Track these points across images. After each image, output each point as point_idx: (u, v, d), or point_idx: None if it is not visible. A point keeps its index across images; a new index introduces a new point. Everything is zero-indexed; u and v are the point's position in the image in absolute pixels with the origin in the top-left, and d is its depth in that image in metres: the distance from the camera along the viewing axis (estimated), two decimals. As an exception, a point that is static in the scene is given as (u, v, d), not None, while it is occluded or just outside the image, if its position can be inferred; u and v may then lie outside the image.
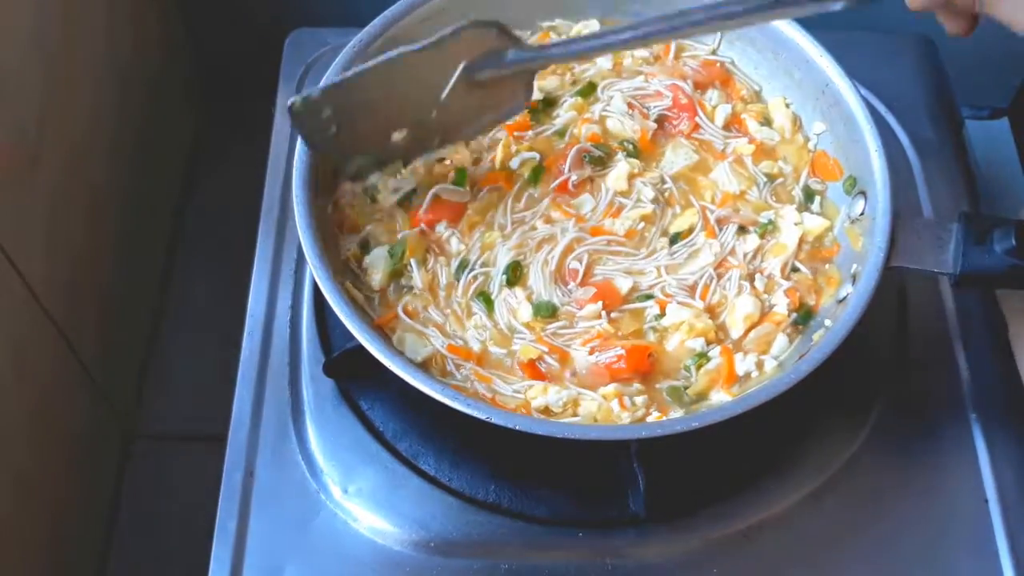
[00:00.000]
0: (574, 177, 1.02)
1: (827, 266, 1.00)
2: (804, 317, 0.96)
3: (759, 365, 0.94)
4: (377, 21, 1.05)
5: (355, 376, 1.01)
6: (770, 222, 1.01)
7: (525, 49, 0.95)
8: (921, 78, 1.26)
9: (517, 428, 0.83)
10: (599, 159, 1.04)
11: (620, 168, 1.03)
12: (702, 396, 0.93)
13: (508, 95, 0.99)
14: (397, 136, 0.98)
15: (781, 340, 0.95)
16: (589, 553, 0.94)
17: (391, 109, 0.97)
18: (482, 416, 0.84)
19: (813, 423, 1.01)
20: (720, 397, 0.92)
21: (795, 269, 0.99)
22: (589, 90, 1.10)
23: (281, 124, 1.20)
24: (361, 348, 0.88)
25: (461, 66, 0.94)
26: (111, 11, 1.44)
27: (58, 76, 1.27)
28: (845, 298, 0.93)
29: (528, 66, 0.96)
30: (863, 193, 0.98)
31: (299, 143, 0.97)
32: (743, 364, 0.94)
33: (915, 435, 1.02)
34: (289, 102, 0.93)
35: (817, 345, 0.88)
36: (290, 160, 1.09)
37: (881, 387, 1.03)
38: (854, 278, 0.94)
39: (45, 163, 1.23)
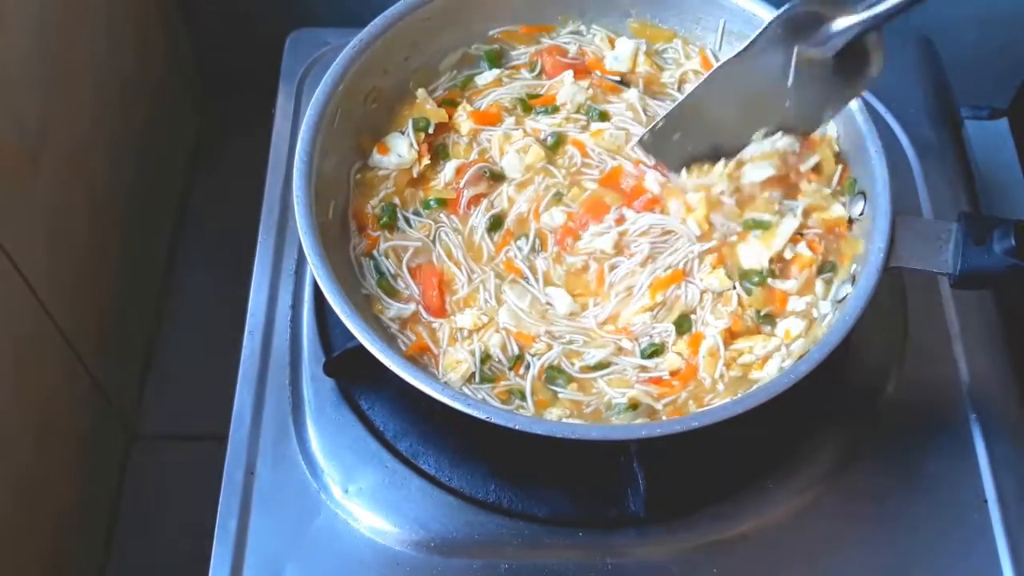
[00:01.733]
0: (468, 193, 1.03)
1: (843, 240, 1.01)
2: (830, 268, 0.98)
3: (806, 313, 0.96)
4: (377, 21, 1.05)
5: (355, 376, 1.01)
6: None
7: (851, 12, 0.91)
8: (921, 79, 1.26)
9: (517, 428, 0.84)
10: (497, 175, 1.05)
11: None
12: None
13: (858, 62, 0.94)
14: (758, 135, 0.99)
15: (819, 285, 0.97)
16: (589, 553, 0.95)
17: (741, 114, 0.98)
18: (482, 416, 0.84)
19: (813, 423, 1.01)
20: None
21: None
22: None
23: (281, 124, 1.21)
24: (361, 348, 0.88)
25: (795, 51, 0.92)
26: (112, 11, 1.44)
27: (60, 77, 1.27)
28: (844, 298, 0.93)
29: (861, 27, 0.91)
30: (863, 193, 0.98)
31: (299, 143, 0.97)
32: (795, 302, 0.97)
33: (915, 435, 1.02)
34: (637, 140, 1.00)
35: (817, 345, 0.88)
36: (291, 160, 1.09)
37: (881, 387, 1.04)
38: (854, 278, 0.94)
39: (47, 163, 1.23)
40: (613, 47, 1.13)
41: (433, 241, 1.02)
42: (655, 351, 0.95)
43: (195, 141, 1.78)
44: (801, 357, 0.89)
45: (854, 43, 0.92)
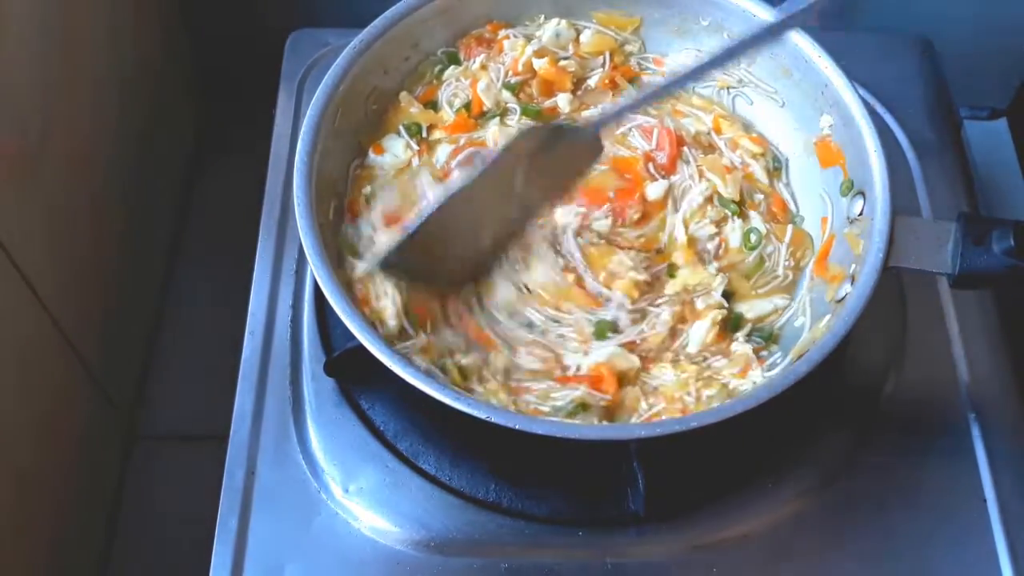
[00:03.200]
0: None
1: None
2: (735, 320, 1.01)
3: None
4: (377, 21, 1.06)
5: (355, 376, 1.01)
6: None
7: (582, 126, 0.95)
8: (920, 79, 1.26)
9: (517, 428, 0.84)
10: None
11: None
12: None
13: (581, 156, 0.97)
14: (487, 241, 0.97)
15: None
16: (589, 552, 0.95)
17: (472, 227, 0.96)
18: (482, 416, 0.84)
19: (812, 423, 1.01)
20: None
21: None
22: None
23: (282, 125, 1.21)
24: (362, 347, 0.88)
25: (523, 167, 0.93)
26: (113, 11, 1.44)
27: (60, 77, 1.27)
28: (844, 298, 0.93)
29: (589, 134, 0.94)
30: (862, 193, 0.98)
31: (300, 143, 0.98)
32: None
33: (914, 435, 1.02)
34: (362, 270, 0.95)
35: (816, 345, 0.88)
36: (291, 160, 1.10)
37: (880, 387, 1.04)
38: (853, 278, 0.94)
39: (47, 164, 1.23)
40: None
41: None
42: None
43: (195, 141, 1.78)
44: (800, 357, 0.89)
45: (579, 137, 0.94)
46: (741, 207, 1.06)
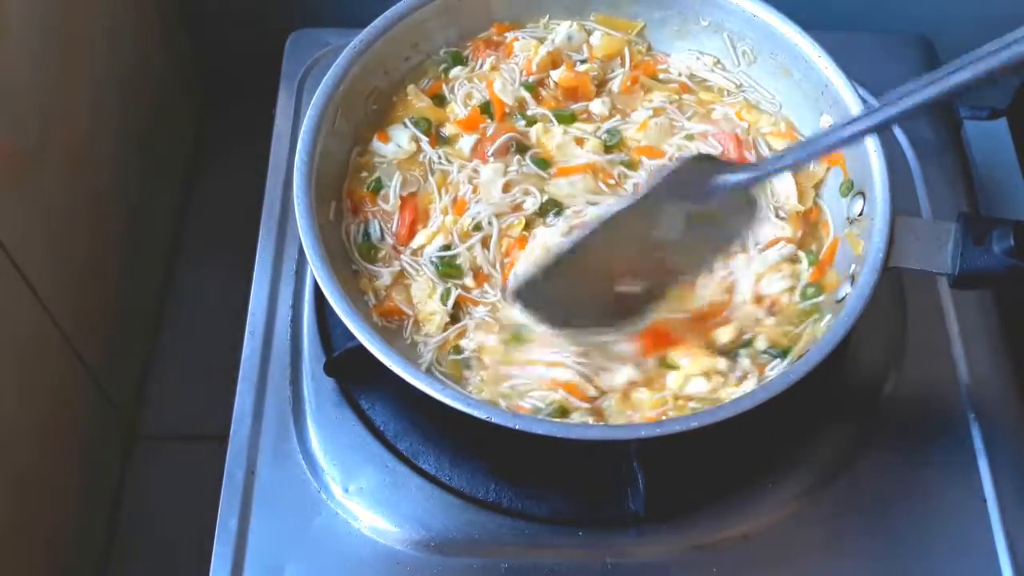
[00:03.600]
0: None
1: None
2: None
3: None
4: (378, 21, 1.06)
5: (355, 376, 1.01)
6: None
7: (737, 171, 0.91)
8: (920, 79, 1.26)
9: (517, 428, 0.84)
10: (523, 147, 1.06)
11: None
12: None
13: (734, 213, 0.92)
14: (632, 288, 0.92)
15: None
16: (589, 552, 0.95)
17: (620, 262, 0.93)
18: (482, 416, 0.84)
19: (812, 423, 1.01)
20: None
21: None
22: None
23: (282, 125, 1.21)
24: (362, 347, 0.88)
25: (679, 205, 0.90)
26: (113, 12, 1.44)
27: (59, 77, 1.27)
28: (844, 298, 0.93)
29: (743, 183, 0.90)
30: (862, 194, 0.98)
31: (300, 143, 0.98)
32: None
33: (914, 435, 1.02)
34: (512, 291, 0.92)
35: (816, 345, 0.88)
36: (291, 160, 1.09)
37: (880, 387, 1.04)
38: (852, 278, 0.94)
39: (47, 165, 1.23)
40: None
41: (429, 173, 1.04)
42: None
43: (195, 142, 1.78)
44: (800, 357, 0.89)
45: (737, 194, 0.91)
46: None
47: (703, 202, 0.90)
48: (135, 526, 1.45)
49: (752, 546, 0.95)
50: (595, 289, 0.93)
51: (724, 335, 0.95)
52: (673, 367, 0.94)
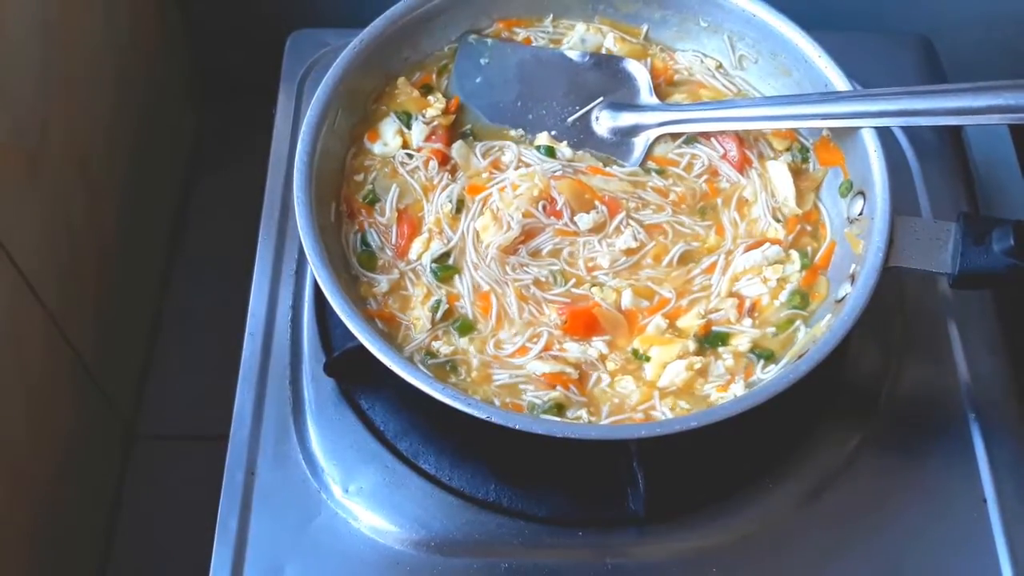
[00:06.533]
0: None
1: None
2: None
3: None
4: (378, 21, 1.06)
5: (355, 376, 1.01)
6: None
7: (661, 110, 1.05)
8: (920, 78, 1.26)
9: (517, 428, 0.84)
10: None
11: None
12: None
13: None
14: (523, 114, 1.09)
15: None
16: (589, 553, 0.95)
17: (531, 89, 1.09)
18: (482, 416, 0.84)
19: (812, 423, 1.01)
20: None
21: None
22: None
23: (282, 125, 1.21)
24: (362, 347, 0.88)
25: (600, 99, 1.09)
26: (112, 12, 1.44)
27: (58, 77, 1.27)
28: (844, 298, 0.93)
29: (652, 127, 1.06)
30: (862, 194, 0.98)
31: (300, 144, 0.98)
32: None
33: (914, 435, 1.02)
34: (464, 34, 1.10)
35: (816, 345, 0.88)
36: (291, 160, 1.10)
37: (880, 387, 1.04)
38: (853, 278, 0.94)
39: (46, 164, 1.23)
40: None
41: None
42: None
43: (195, 142, 1.78)
44: (801, 357, 0.89)
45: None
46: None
47: (622, 113, 1.08)
48: (135, 526, 1.45)
49: (752, 546, 0.95)
50: (511, 95, 1.10)
51: (687, 321, 0.96)
52: (645, 358, 0.95)
